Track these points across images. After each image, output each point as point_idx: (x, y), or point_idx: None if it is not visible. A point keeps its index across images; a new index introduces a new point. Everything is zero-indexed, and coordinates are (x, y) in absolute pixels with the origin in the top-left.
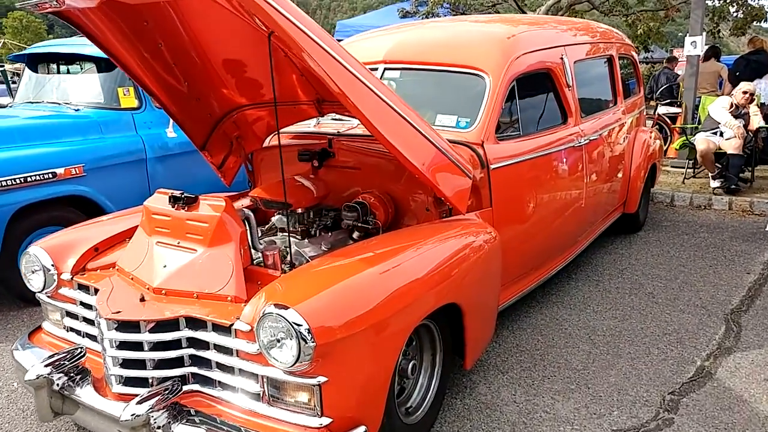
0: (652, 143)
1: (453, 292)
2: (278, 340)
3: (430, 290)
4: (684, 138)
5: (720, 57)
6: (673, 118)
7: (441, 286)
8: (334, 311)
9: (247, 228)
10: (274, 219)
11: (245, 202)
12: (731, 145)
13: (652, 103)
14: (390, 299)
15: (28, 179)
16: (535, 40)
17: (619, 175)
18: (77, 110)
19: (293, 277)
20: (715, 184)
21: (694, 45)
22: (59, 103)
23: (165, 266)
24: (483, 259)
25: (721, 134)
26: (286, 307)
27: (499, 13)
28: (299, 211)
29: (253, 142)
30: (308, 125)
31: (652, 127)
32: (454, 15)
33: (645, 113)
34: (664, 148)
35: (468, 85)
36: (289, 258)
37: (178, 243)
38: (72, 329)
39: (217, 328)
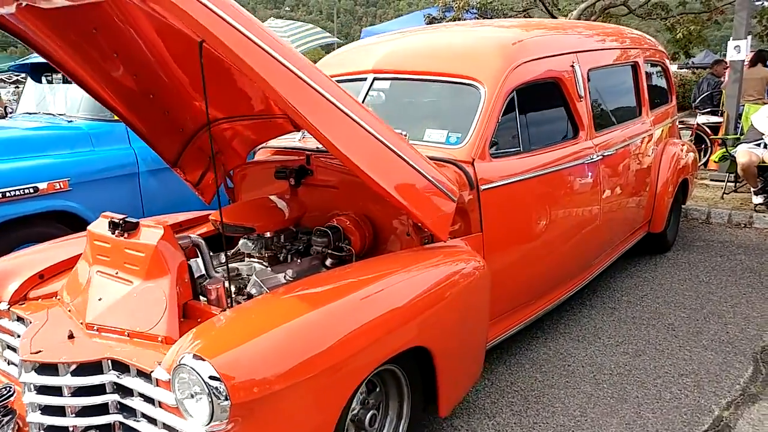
0: (684, 156)
1: (421, 334)
2: (193, 395)
3: (390, 333)
4: (724, 150)
5: None
6: (716, 128)
7: (405, 328)
8: (264, 362)
9: (200, 256)
10: (239, 244)
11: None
12: None
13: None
14: (337, 346)
15: (7, 194)
16: (540, 47)
17: (644, 191)
18: (70, 122)
19: (227, 318)
20: (757, 200)
21: (738, 49)
22: (54, 115)
23: (100, 299)
24: (464, 293)
25: (765, 146)
26: (202, 359)
27: (530, 17)
28: (267, 234)
29: (233, 158)
30: (293, 139)
31: (691, 137)
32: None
33: (677, 123)
34: (704, 159)
35: (461, 97)
36: (230, 292)
37: (116, 273)
38: (13, 363)
39: (142, 373)
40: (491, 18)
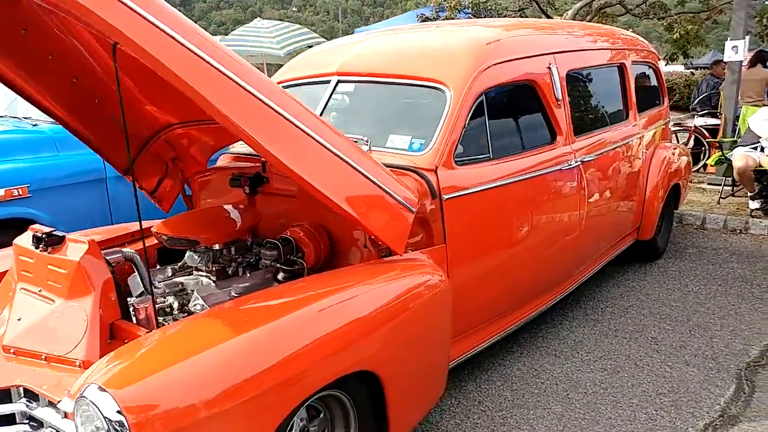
0: (676, 160)
1: (366, 358)
2: (96, 428)
3: (328, 358)
4: (720, 153)
5: None
6: (714, 130)
7: (346, 352)
8: (178, 393)
9: (136, 271)
10: (185, 257)
11: None
12: None
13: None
14: (264, 373)
15: None
16: (514, 48)
17: (632, 197)
18: (35, 125)
19: (150, 341)
20: (753, 205)
21: (736, 50)
22: (20, 118)
23: (20, 319)
24: (420, 312)
25: (762, 149)
26: (105, 391)
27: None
28: (216, 247)
29: (191, 164)
30: None
31: (688, 139)
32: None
33: (671, 126)
34: (702, 162)
35: (426, 101)
36: (155, 311)
37: (40, 291)
38: None
39: (53, 403)
40: (484, 18)
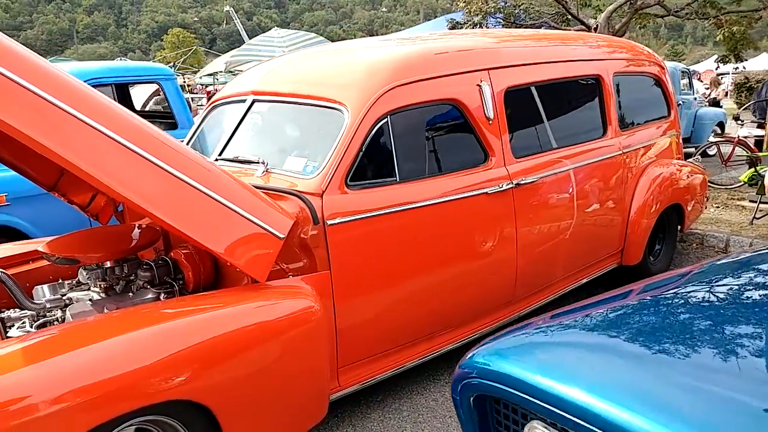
0: (682, 178)
1: (194, 388)
2: None
3: (146, 382)
4: (754, 169)
5: None
6: (761, 142)
7: (168, 380)
8: None
9: (6, 286)
10: (78, 273)
11: None
12: None
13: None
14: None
15: None
16: (427, 67)
17: (606, 218)
18: None
19: None
20: None
21: None
22: None
23: None
24: (277, 340)
25: None
26: None
27: (556, 22)
28: (108, 264)
29: None
30: None
31: (731, 152)
32: (505, 27)
33: (678, 140)
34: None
35: (326, 123)
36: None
37: None
38: None
39: None
40: (520, 26)
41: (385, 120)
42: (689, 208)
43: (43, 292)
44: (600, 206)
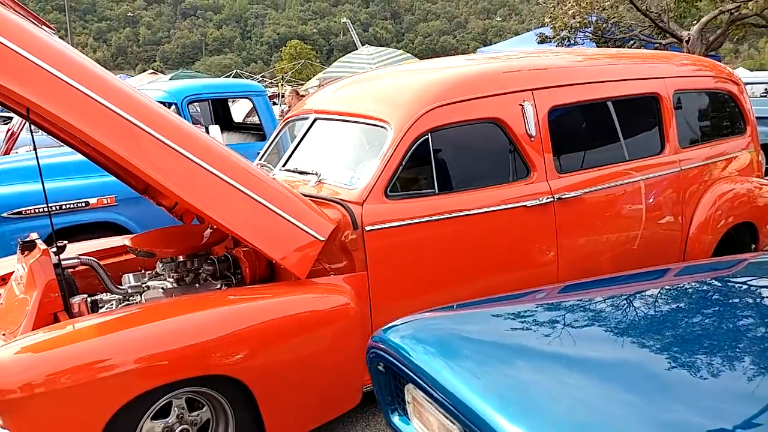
0: (757, 195)
1: (231, 365)
2: None
3: (189, 358)
4: None
5: None
6: None
7: (208, 356)
8: (29, 368)
9: (98, 274)
10: (156, 265)
11: None
12: None
13: None
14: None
15: (63, 207)
16: (472, 87)
17: (662, 233)
18: None
19: (48, 330)
20: None
21: None
22: None
23: (2, 303)
24: (312, 330)
25: None
26: None
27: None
28: (180, 258)
29: None
30: None
31: None
32: (595, 43)
33: (757, 157)
34: None
35: (372, 139)
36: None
37: (18, 284)
38: None
39: None
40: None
41: (426, 137)
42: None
43: (129, 280)
44: (653, 222)
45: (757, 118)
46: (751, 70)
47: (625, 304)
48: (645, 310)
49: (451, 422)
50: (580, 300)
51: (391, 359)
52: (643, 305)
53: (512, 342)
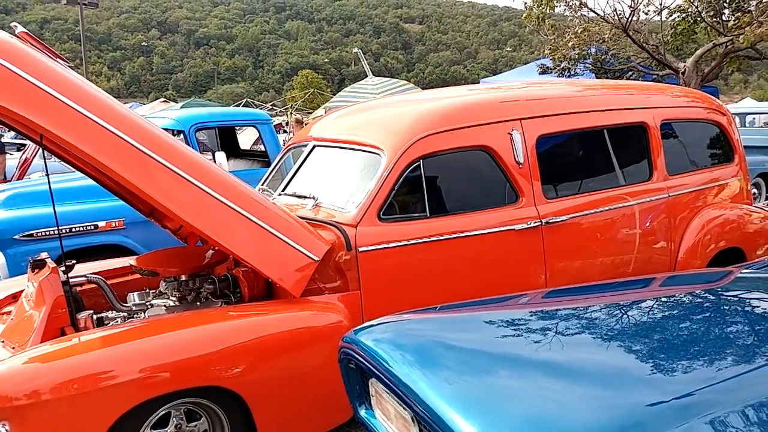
0: (746, 221)
1: (226, 377)
2: None
3: (185, 370)
4: None
5: None
6: None
7: (204, 368)
8: (34, 379)
9: (104, 292)
10: (160, 284)
11: None
12: None
13: None
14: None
15: (73, 229)
16: (463, 116)
17: (649, 257)
18: None
19: (55, 342)
20: None
21: None
22: None
23: (12, 318)
24: (305, 345)
25: None
26: None
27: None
28: (183, 277)
29: None
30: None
31: None
32: (595, 74)
33: (744, 185)
34: None
35: (366, 165)
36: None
37: (28, 300)
38: None
39: None
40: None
41: (418, 163)
42: (759, 252)
43: (133, 298)
44: (644, 246)
45: (761, 147)
46: (759, 101)
47: (608, 311)
48: (628, 317)
49: (403, 408)
50: (568, 307)
51: (356, 356)
52: (627, 312)
53: (468, 339)
